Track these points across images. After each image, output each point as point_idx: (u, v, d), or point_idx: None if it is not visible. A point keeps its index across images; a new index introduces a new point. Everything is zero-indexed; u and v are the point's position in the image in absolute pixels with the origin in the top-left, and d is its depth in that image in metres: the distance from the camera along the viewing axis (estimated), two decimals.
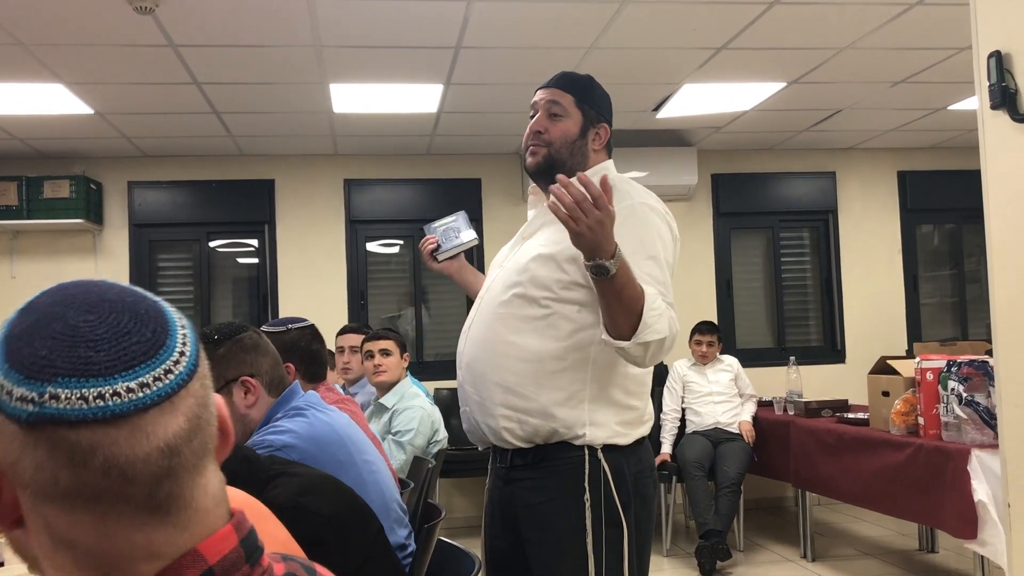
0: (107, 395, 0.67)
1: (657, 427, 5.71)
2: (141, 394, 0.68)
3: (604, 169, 2.20)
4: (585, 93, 2.23)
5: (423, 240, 2.57)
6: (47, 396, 0.66)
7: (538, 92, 2.28)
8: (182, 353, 0.72)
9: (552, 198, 1.79)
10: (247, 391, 2.02)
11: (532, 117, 2.26)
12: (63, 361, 0.67)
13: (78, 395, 0.66)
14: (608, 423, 2.06)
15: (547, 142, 2.18)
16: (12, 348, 0.68)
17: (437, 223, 2.54)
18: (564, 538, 2.04)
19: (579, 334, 2.04)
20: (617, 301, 1.85)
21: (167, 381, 0.70)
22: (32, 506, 0.68)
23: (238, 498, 1.23)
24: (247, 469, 1.66)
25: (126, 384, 0.68)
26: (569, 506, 2.03)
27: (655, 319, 1.86)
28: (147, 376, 0.69)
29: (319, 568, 0.82)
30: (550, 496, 2.06)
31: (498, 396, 2.08)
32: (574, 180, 1.79)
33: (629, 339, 1.85)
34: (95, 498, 0.67)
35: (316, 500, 1.61)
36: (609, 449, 2.06)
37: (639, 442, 2.14)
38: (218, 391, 2.12)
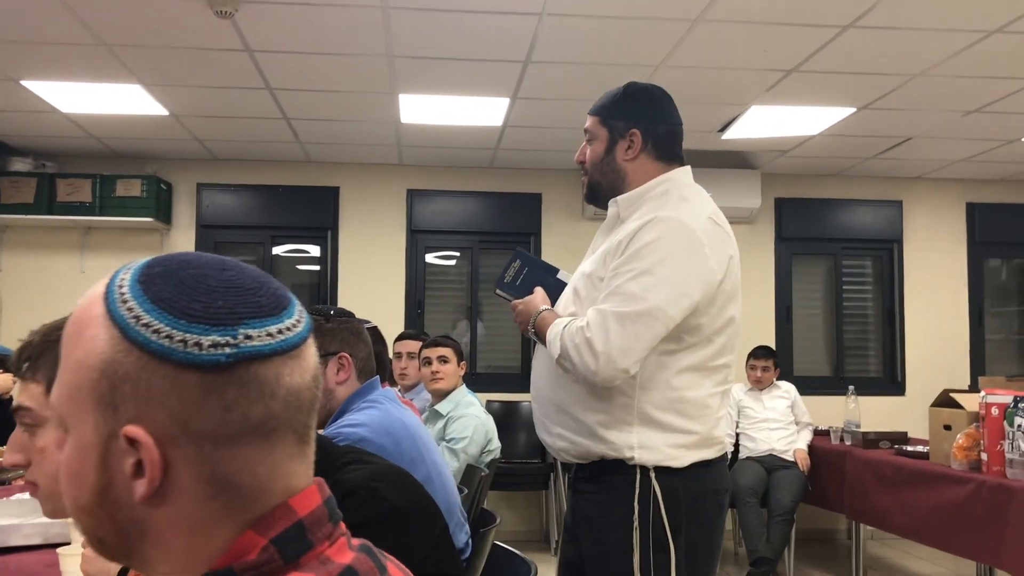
0: (284, 330, 0.75)
1: None
2: (301, 328, 0.77)
3: (665, 181, 2.17)
4: (609, 108, 2.23)
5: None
6: (241, 336, 0.72)
7: None
8: (296, 300, 0.82)
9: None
10: (340, 367, 2.10)
11: None
12: (242, 307, 0.74)
13: (266, 332, 0.74)
14: (658, 446, 2.03)
15: (587, 169, 2.26)
16: (177, 307, 0.72)
17: (510, 281, 2.36)
18: (613, 556, 2.04)
19: None
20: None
21: (305, 319, 0.79)
22: (200, 456, 0.72)
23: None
24: (320, 455, 1.69)
25: (291, 320, 0.77)
26: (619, 524, 2.03)
27: (549, 346, 2.10)
28: (295, 314, 0.78)
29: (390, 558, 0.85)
30: (604, 512, 2.07)
31: (553, 415, 2.14)
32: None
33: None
34: (276, 428, 0.74)
35: (387, 487, 1.63)
36: (663, 471, 2.03)
37: (703, 464, 2.08)
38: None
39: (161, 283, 0.74)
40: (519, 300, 2.24)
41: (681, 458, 2.04)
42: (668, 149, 2.20)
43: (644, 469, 2.02)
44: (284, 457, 0.75)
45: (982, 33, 4.07)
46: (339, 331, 2.17)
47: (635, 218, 2.09)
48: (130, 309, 0.72)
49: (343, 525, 0.80)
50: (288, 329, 0.76)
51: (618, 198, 2.18)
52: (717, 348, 2.09)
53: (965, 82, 4.74)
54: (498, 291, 2.30)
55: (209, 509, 0.73)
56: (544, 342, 2.13)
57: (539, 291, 2.24)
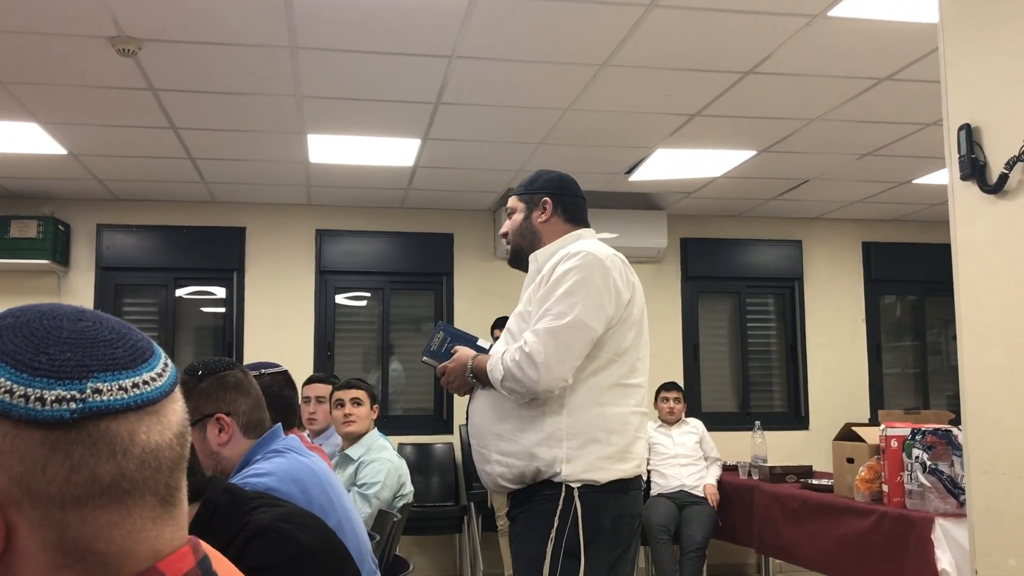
0: (140, 384, 0.71)
1: None
2: (161, 382, 0.73)
3: (575, 237, 2.54)
4: (526, 186, 2.65)
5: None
6: (89, 391, 0.68)
7: None
8: (162, 352, 0.78)
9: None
10: (221, 429, 2.01)
11: None
12: (92, 359, 0.70)
13: (117, 386, 0.70)
14: (585, 458, 2.29)
15: (509, 237, 2.66)
16: (22, 360, 0.68)
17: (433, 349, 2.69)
18: (526, 565, 2.31)
19: None
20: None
21: (169, 372, 0.76)
22: (47, 521, 0.67)
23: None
24: (229, 499, 1.63)
25: (149, 374, 0.73)
26: (537, 536, 2.28)
27: (491, 374, 2.38)
28: (158, 367, 0.74)
29: None
30: (528, 527, 2.35)
31: (492, 443, 2.40)
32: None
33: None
34: (130, 490, 0.69)
35: (297, 529, 1.57)
36: (586, 489, 2.27)
37: (621, 488, 2.33)
38: (192, 425, 2.09)
39: (8, 336, 0.70)
40: (447, 362, 2.55)
41: (604, 470, 2.30)
42: (575, 214, 2.61)
43: (569, 488, 2.27)
44: (143, 521, 0.70)
45: (873, 80, 4.26)
46: (213, 389, 2.03)
47: (551, 263, 2.44)
48: None
49: None
50: (145, 383, 0.72)
51: (535, 253, 2.56)
52: (629, 367, 2.41)
53: (859, 126, 4.95)
54: (425, 358, 2.65)
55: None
56: (485, 380, 2.41)
57: (463, 348, 2.57)
